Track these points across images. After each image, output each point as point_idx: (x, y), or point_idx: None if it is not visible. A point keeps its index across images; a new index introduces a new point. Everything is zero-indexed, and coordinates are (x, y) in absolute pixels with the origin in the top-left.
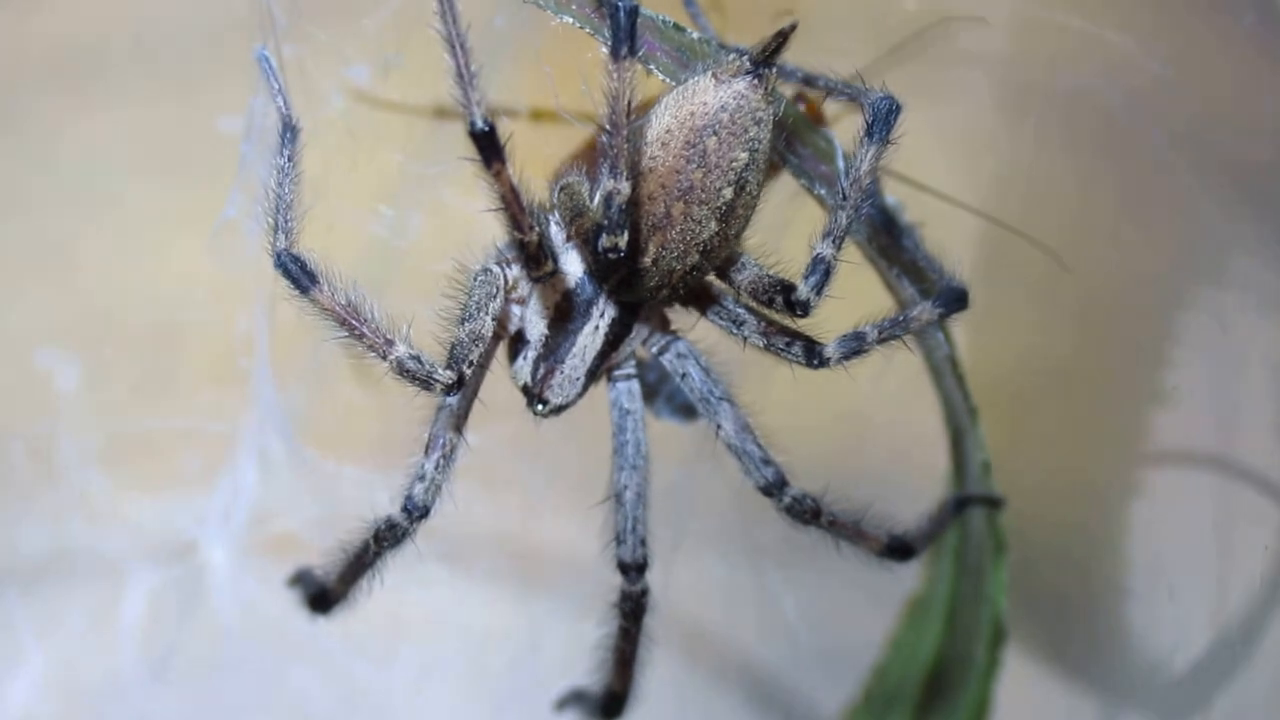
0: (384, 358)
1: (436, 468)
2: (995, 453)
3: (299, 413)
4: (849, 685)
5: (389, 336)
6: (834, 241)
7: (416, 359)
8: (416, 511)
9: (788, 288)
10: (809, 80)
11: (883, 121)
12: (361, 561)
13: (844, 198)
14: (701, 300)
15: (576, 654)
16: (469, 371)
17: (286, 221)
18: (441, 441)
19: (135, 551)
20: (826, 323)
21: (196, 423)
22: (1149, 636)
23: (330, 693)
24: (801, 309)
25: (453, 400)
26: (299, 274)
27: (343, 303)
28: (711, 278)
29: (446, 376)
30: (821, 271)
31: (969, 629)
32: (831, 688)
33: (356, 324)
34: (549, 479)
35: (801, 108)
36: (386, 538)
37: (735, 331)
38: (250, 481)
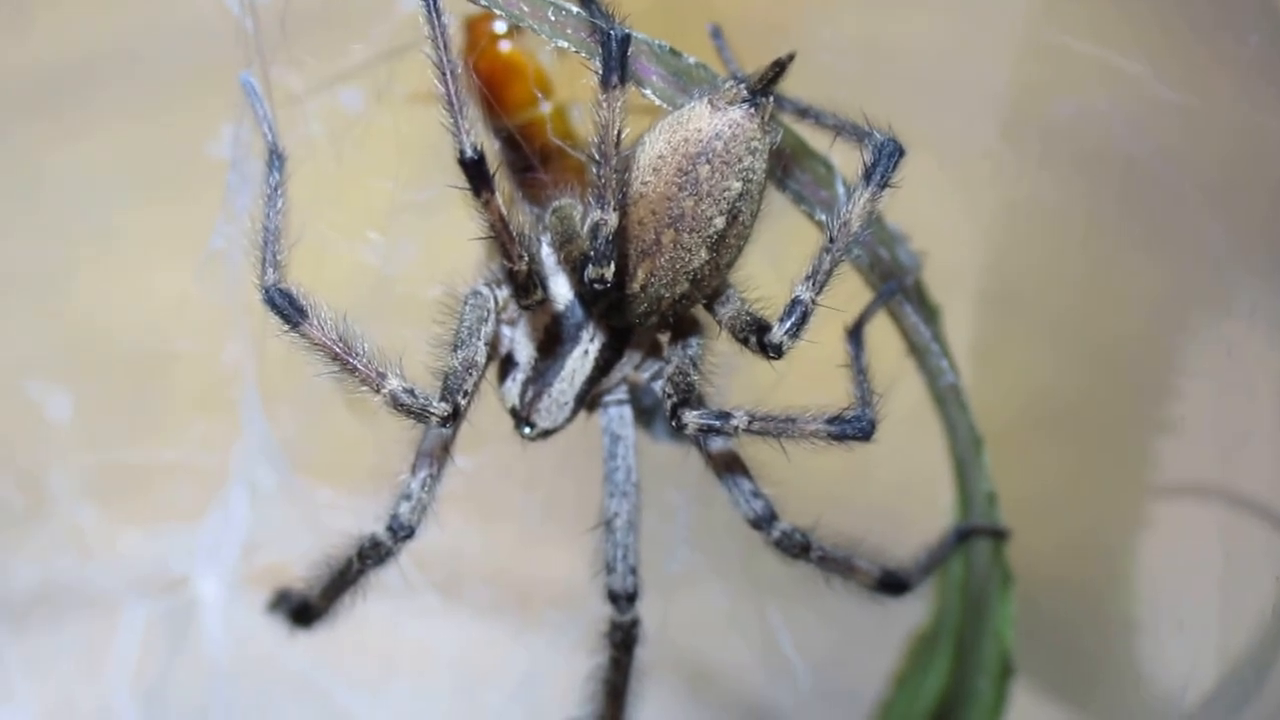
0: (377, 391)
1: (423, 487)
2: (1000, 484)
3: (290, 443)
4: None
5: (381, 370)
6: (815, 285)
7: (410, 392)
8: (401, 531)
9: (763, 328)
10: (808, 113)
11: (884, 165)
12: (345, 578)
13: (831, 240)
14: (691, 330)
15: (573, 687)
16: (464, 402)
17: (274, 254)
18: (429, 461)
19: (126, 585)
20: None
21: (187, 454)
22: (1158, 670)
23: None
24: (774, 351)
25: (448, 430)
26: (288, 309)
27: (333, 337)
28: (700, 309)
29: (441, 409)
30: (799, 315)
31: (975, 663)
32: None
33: (348, 358)
34: (545, 508)
35: None
36: (370, 556)
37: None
38: (241, 513)
